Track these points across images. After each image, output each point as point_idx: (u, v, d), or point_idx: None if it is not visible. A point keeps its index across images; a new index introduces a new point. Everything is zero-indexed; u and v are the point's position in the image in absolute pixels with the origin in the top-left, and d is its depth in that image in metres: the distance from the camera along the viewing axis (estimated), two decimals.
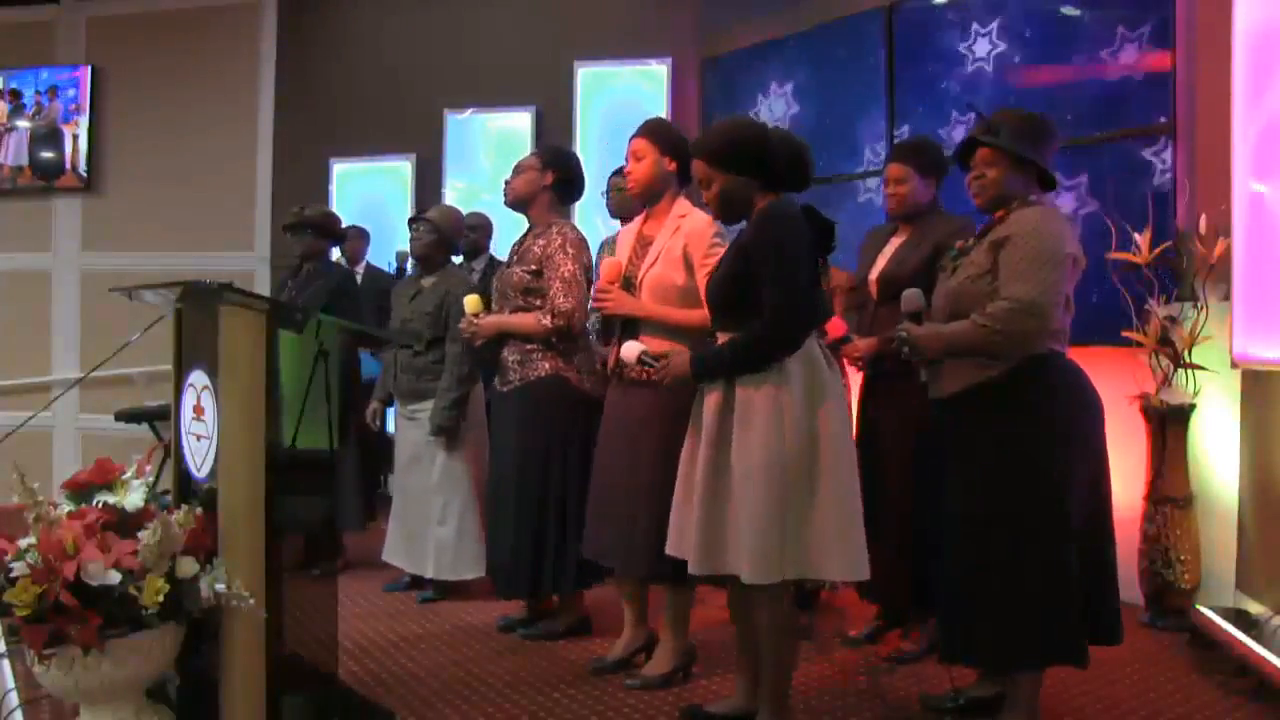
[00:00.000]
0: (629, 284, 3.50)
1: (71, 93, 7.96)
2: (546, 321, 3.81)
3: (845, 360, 3.82)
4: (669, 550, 3.02)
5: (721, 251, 3.23)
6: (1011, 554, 2.80)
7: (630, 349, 3.11)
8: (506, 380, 3.95)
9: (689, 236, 3.40)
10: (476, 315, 3.98)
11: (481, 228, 5.64)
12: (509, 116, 7.38)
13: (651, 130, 3.54)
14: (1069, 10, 4.89)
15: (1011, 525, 2.81)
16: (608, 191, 4.64)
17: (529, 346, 3.89)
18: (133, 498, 2.75)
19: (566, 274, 3.81)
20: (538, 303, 3.87)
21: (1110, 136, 4.69)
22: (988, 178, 2.99)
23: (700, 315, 3.21)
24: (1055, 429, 2.83)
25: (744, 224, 3.00)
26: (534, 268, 3.88)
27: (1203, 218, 4.22)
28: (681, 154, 3.47)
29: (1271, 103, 3.53)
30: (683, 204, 3.51)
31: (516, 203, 4.02)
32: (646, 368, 3.06)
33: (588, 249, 3.93)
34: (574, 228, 3.99)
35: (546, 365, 3.87)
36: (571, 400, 3.83)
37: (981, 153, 3.01)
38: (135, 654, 2.53)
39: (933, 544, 3.12)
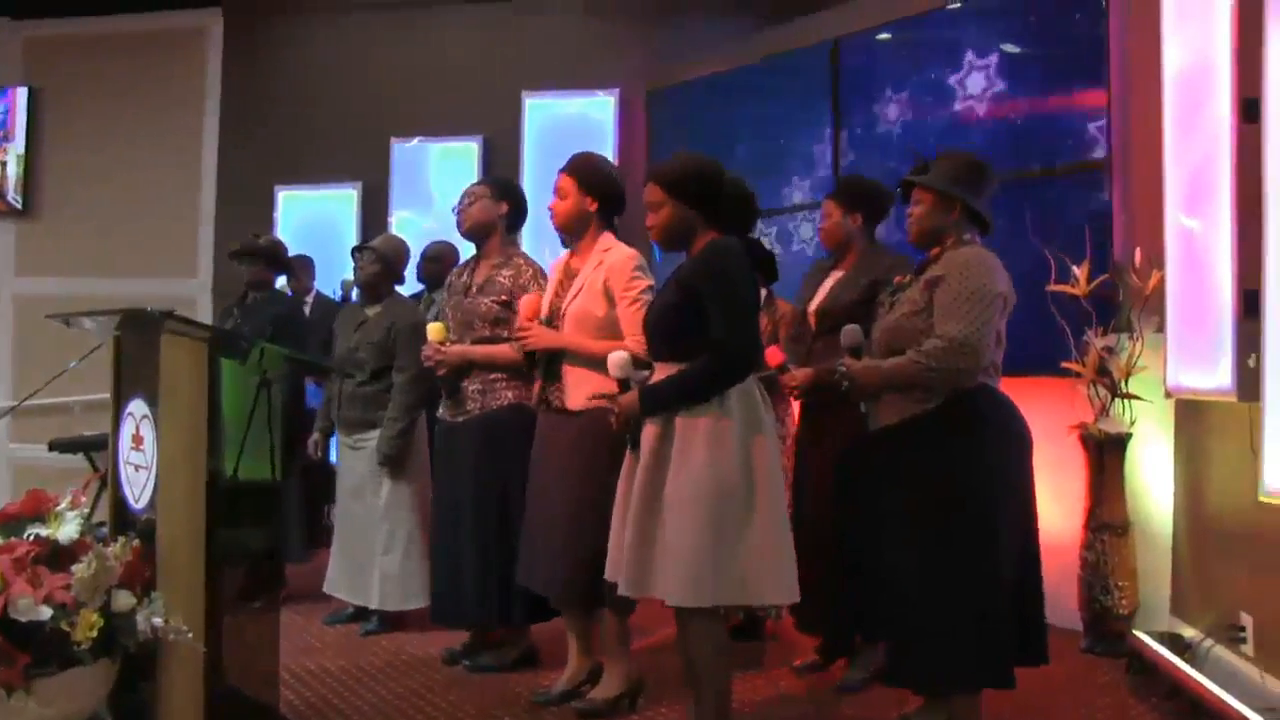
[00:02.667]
0: (553, 316, 3.55)
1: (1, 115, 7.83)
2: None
3: (784, 391, 3.86)
4: (608, 575, 3.04)
5: (643, 284, 3.39)
6: (943, 580, 2.87)
7: (618, 360, 3.07)
8: (464, 410, 3.94)
9: (610, 270, 3.45)
10: (442, 343, 3.95)
11: (442, 258, 5.60)
12: (456, 146, 7.41)
13: (576, 168, 3.58)
14: (1009, 48, 4.99)
15: (943, 552, 2.87)
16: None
17: (492, 376, 3.90)
18: (67, 530, 2.68)
19: None
20: (505, 334, 3.87)
21: (1050, 171, 4.78)
22: (915, 214, 3.12)
23: (619, 346, 3.24)
24: (985, 459, 2.91)
25: (683, 257, 3.07)
26: (504, 299, 3.89)
27: (1138, 251, 4.31)
28: (604, 193, 3.54)
29: (1199, 141, 3.61)
30: (607, 239, 3.56)
31: (473, 231, 4.02)
32: (605, 396, 3.09)
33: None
34: (534, 261, 4.03)
35: (509, 394, 3.88)
36: (530, 427, 3.80)
37: (915, 191, 3.13)
38: (65, 693, 2.45)
39: (868, 571, 3.16)
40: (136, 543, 2.60)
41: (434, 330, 3.97)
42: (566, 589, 3.41)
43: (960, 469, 2.90)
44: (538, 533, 3.50)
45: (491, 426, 3.88)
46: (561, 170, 3.60)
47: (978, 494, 2.88)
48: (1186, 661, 3.52)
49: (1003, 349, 3.01)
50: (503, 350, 3.87)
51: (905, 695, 3.27)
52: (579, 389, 3.42)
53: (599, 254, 3.52)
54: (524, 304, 3.64)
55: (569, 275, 3.60)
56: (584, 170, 3.58)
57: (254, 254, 5.13)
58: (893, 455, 3.03)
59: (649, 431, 2.93)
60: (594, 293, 3.46)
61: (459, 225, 4.06)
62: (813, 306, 3.90)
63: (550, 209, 3.60)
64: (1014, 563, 2.91)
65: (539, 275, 3.93)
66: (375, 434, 4.45)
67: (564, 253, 3.73)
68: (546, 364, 3.55)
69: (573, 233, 3.60)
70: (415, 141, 7.44)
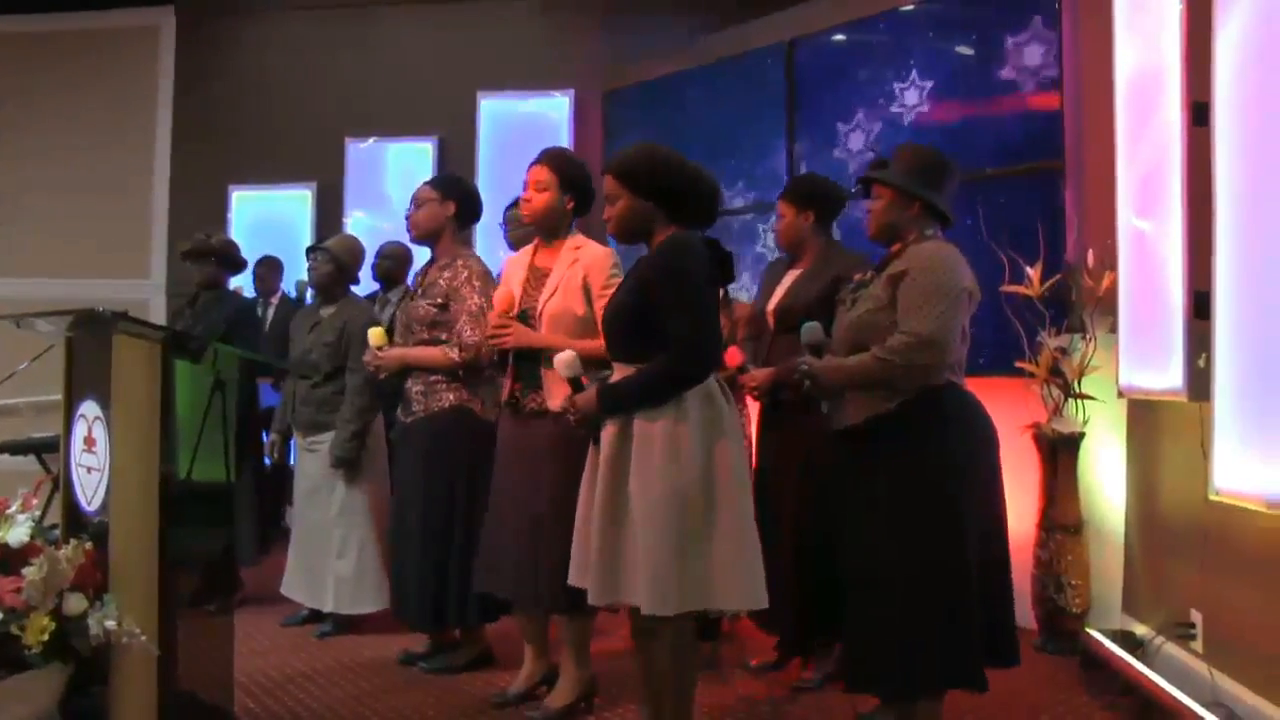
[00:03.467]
0: (525, 315, 3.49)
1: None
2: (454, 355, 3.78)
3: (743, 393, 3.85)
4: (572, 580, 2.99)
5: (620, 280, 3.24)
6: (909, 581, 2.83)
7: (565, 360, 2.97)
8: (410, 411, 3.93)
9: (588, 267, 3.41)
10: (380, 348, 3.93)
11: (398, 257, 5.59)
12: (411, 146, 7.40)
13: (553, 159, 3.53)
14: (964, 49, 5.04)
15: (909, 553, 2.83)
16: (505, 224, 4.64)
17: (433, 378, 3.87)
18: (17, 532, 2.63)
19: (473, 307, 3.78)
20: (443, 336, 3.84)
21: (1004, 172, 4.82)
22: (874, 210, 3.07)
23: (600, 345, 3.18)
24: (951, 457, 2.87)
25: (643, 252, 3.02)
26: (440, 301, 3.86)
27: (1090, 252, 4.35)
28: (583, 190, 3.51)
29: (1151, 144, 3.65)
30: (578, 236, 3.53)
31: (424, 237, 3.99)
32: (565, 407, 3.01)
33: (493, 281, 3.90)
34: (478, 259, 3.97)
35: (451, 396, 3.85)
36: (475, 432, 3.81)
37: (874, 187, 3.09)
38: (16, 697, 2.42)
39: (829, 573, 3.16)
40: (89, 545, 2.57)
41: (373, 335, 3.95)
42: (554, 597, 3.31)
43: (927, 467, 2.86)
44: (509, 538, 3.44)
45: (433, 428, 3.86)
46: (535, 162, 3.52)
47: (944, 492, 2.84)
48: (1138, 659, 3.57)
49: (967, 345, 2.99)
50: (431, 354, 3.84)
51: (862, 695, 3.24)
52: (560, 390, 3.31)
53: (571, 252, 3.47)
54: (497, 297, 3.55)
55: (536, 274, 3.54)
56: (561, 163, 3.52)
57: (205, 254, 5.08)
58: (857, 454, 2.99)
59: (608, 432, 2.88)
60: (572, 291, 3.41)
61: (409, 232, 4.03)
62: (771, 305, 3.88)
63: (525, 200, 3.53)
64: (982, 562, 2.87)
65: (476, 276, 3.86)
66: (330, 436, 4.44)
67: (522, 250, 3.68)
68: (520, 365, 3.49)
69: (547, 228, 3.53)
70: (371, 141, 7.42)
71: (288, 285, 6.73)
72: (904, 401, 2.88)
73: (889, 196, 3.05)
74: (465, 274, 3.85)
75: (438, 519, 3.83)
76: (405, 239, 4.32)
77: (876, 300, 2.97)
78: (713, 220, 3.05)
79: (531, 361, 3.45)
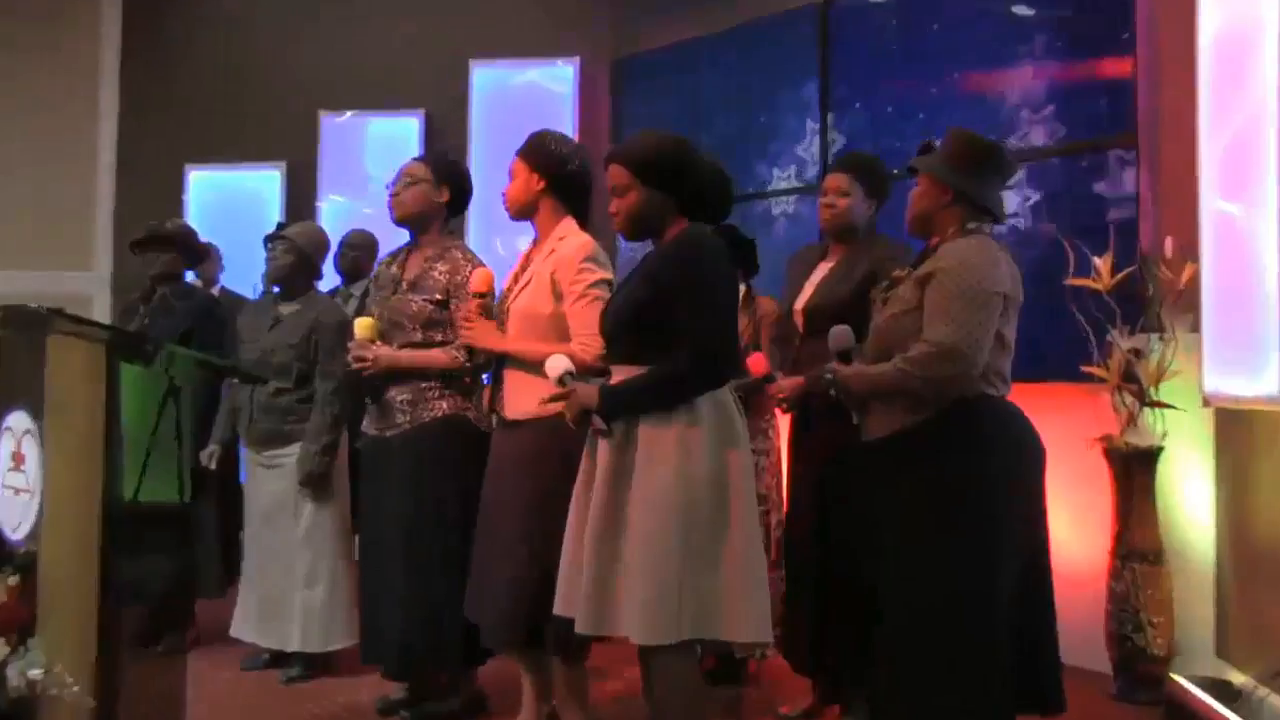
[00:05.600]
0: (499, 311, 3.56)
1: None
2: (462, 356, 3.77)
3: (771, 403, 3.85)
4: (557, 610, 2.98)
5: (593, 276, 3.35)
6: (936, 616, 2.84)
7: (555, 364, 3.01)
8: (392, 424, 3.87)
9: (559, 261, 3.43)
10: (372, 341, 3.87)
11: (363, 247, 5.56)
12: (393, 121, 7.38)
13: (523, 147, 3.60)
14: (1021, 10, 4.98)
15: (931, 585, 2.85)
16: None
17: (424, 385, 3.84)
18: None
19: None
20: (439, 337, 3.83)
21: (1066, 149, 4.78)
22: (911, 199, 3.12)
23: (566, 349, 3.21)
24: (982, 478, 2.87)
25: (649, 247, 3.06)
26: (439, 297, 3.83)
27: (1168, 240, 4.29)
28: (553, 172, 3.53)
29: (1239, 114, 3.60)
30: (565, 226, 3.54)
31: (409, 220, 3.96)
32: (555, 399, 3.00)
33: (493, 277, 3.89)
34: (474, 255, 3.97)
35: (444, 405, 3.83)
36: (472, 442, 3.78)
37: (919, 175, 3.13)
38: None
39: (855, 605, 3.18)
40: (14, 579, 2.53)
41: (362, 326, 3.89)
42: (512, 622, 3.35)
43: (952, 489, 2.87)
44: (487, 564, 3.46)
45: (423, 442, 3.81)
46: (519, 153, 3.59)
47: (971, 516, 2.84)
48: (1236, 712, 3.49)
49: (1009, 354, 2.99)
50: (437, 356, 3.82)
51: None
52: (521, 397, 3.37)
53: (553, 242, 3.50)
54: (476, 278, 3.59)
55: (525, 265, 3.58)
56: (530, 148, 3.58)
57: (163, 242, 5.01)
58: (881, 473, 3.01)
59: (605, 441, 2.89)
60: (541, 287, 3.44)
61: (392, 212, 3.99)
62: (800, 304, 3.84)
63: (502, 194, 3.61)
64: (1020, 595, 2.87)
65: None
66: (293, 450, 4.39)
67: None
68: (496, 367, 3.53)
69: (525, 218, 3.60)
70: (347, 116, 7.41)
71: (240, 278, 6.67)
72: (931, 415, 2.90)
73: (926, 185, 3.08)
74: (469, 269, 3.84)
75: (424, 547, 3.78)
76: (384, 225, 4.27)
77: (905, 302, 2.99)
78: (725, 214, 3.18)
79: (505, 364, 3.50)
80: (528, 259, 3.60)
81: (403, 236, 4.07)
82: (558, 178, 3.52)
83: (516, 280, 3.57)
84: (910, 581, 2.87)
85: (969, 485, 2.86)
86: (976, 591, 2.82)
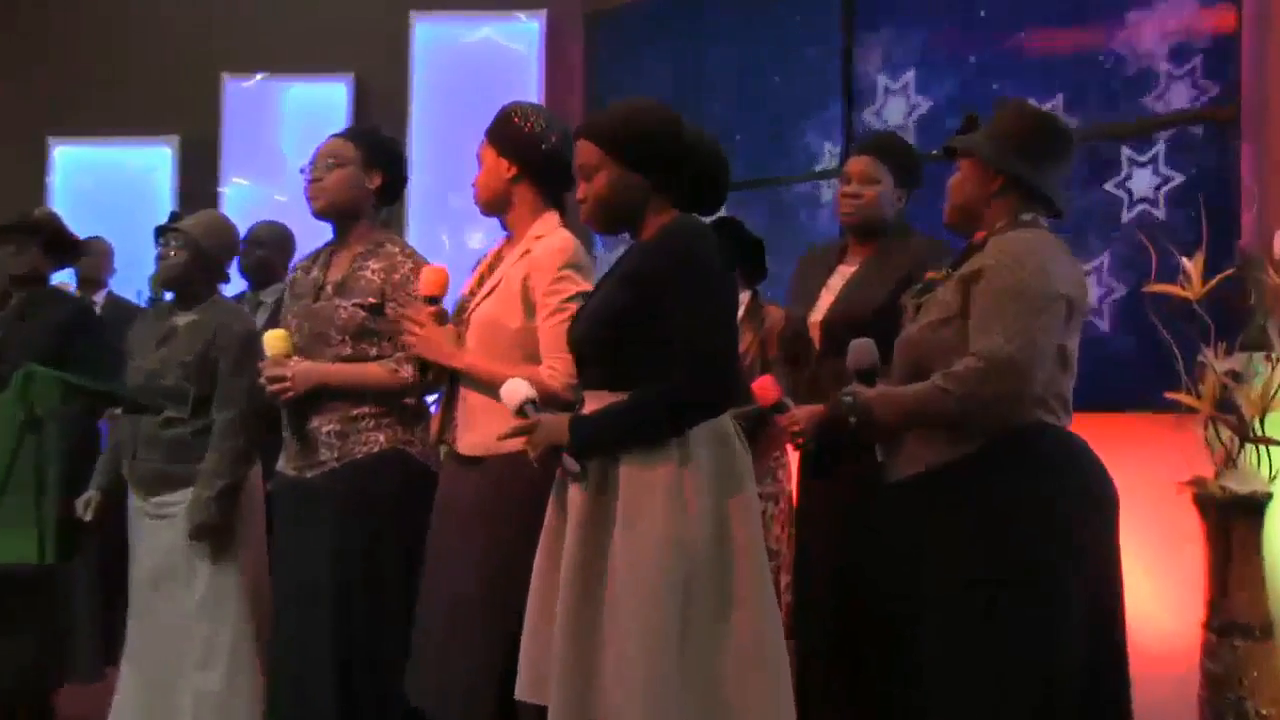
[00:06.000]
0: (457, 317, 3.55)
1: None
2: (406, 373, 3.73)
3: (782, 437, 3.90)
4: (519, 694, 2.97)
5: (574, 287, 3.32)
6: (985, 688, 2.84)
7: (513, 390, 2.98)
8: (314, 461, 3.83)
9: (533, 265, 3.41)
10: (287, 357, 3.82)
11: (274, 243, 5.54)
12: (316, 87, 7.45)
13: (490, 126, 3.60)
14: None
15: (986, 650, 2.84)
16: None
17: (355, 411, 3.79)
18: None
19: None
20: (373, 352, 3.79)
21: (1150, 124, 4.79)
22: (950, 187, 3.14)
23: (531, 372, 3.21)
24: (1043, 529, 2.86)
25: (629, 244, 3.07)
26: (373, 301, 3.80)
27: (1277, 236, 4.26)
28: (523, 155, 3.52)
29: None
30: (545, 221, 3.53)
31: (332, 210, 3.93)
32: (514, 434, 3.00)
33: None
34: (413, 250, 3.96)
35: (381, 437, 3.79)
36: (414, 481, 3.76)
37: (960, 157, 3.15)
38: None
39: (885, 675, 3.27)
40: None
41: (275, 340, 3.83)
42: (468, 705, 3.30)
43: (1006, 536, 2.86)
44: (435, 636, 3.43)
45: (354, 483, 3.76)
46: (487, 138, 3.60)
47: (1034, 570, 2.84)
48: None
49: (1072, 375, 2.99)
50: (368, 371, 3.78)
51: None
52: (479, 427, 3.35)
53: (529, 242, 3.49)
54: (424, 283, 3.56)
55: (493, 266, 3.58)
56: (494, 128, 3.59)
57: (23, 235, 4.96)
58: (915, 519, 3.01)
59: (578, 486, 2.86)
60: (509, 294, 3.41)
61: (310, 201, 3.95)
62: (817, 316, 3.84)
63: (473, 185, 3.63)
64: (1089, 666, 2.86)
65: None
66: (186, 495, 4.29)
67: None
68: (449, 389, 3.53)
69: (497, 213, 3.61)
70: (257, 80, 7.45)
71: (120, 281, 6.61)
72: (974, 449, 2.90)
73: (969, 171, 3.08)
74: (409, 265, 3.83)
75: (353, 615, 3.74)
76: (294, 218, 4.23)
77: (945, 308, 2.99)
78: (721, 203, 3.13)
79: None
80: (498, 257, 3.59)
81: (324, 231, 4.03)
82: (531, 163, 3.51)
83: (481, 282, 3.55)
84: (956, 651, 2.88)
85: (1023, 537, 2.85)
86: (1033, 667, 2.81)
